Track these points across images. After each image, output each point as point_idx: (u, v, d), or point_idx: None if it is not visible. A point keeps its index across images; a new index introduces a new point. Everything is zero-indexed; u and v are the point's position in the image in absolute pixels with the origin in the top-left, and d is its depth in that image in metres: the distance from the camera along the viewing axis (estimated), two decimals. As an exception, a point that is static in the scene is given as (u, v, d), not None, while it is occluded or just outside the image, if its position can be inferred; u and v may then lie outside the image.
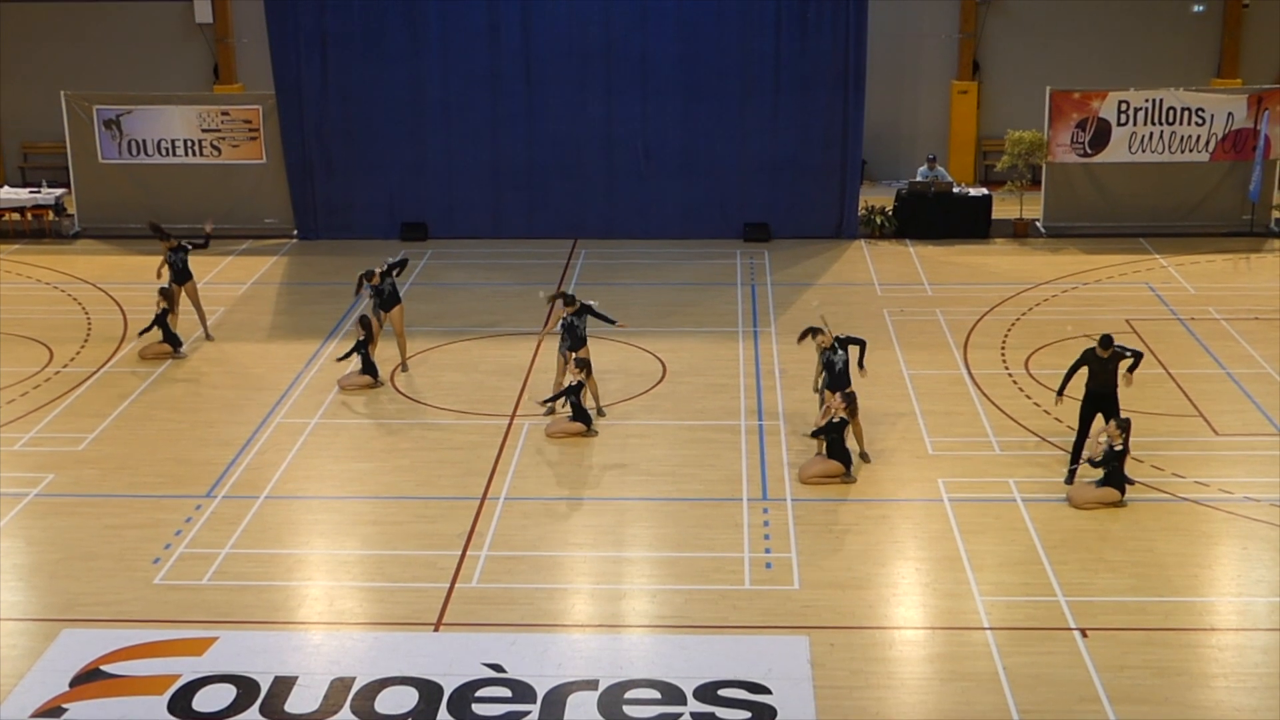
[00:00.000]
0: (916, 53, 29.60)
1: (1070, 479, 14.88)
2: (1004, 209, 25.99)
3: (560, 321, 17.25)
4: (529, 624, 12.35)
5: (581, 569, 13.45)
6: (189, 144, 26.12)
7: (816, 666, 11.55)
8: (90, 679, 11.52)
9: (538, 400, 17.37)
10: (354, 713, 11.03)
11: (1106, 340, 15.06)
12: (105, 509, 14.77)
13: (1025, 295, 21.98)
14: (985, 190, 26.25)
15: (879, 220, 25.75)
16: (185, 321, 20.19)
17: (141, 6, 29.83)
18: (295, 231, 26.24)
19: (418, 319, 20.53)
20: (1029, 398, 17.54)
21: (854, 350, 16.12)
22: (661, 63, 25.22)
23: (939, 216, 25.59)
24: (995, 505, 14.56)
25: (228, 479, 15.50)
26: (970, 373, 18.53)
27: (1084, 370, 15.13)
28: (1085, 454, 14.79)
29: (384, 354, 18.80)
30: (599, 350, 18.12)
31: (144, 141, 26.14)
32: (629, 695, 11.19)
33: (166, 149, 26.15)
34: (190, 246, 20.30)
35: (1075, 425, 15.32)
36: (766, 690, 11.20)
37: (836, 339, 15.95)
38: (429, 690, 11.27)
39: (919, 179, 26.13)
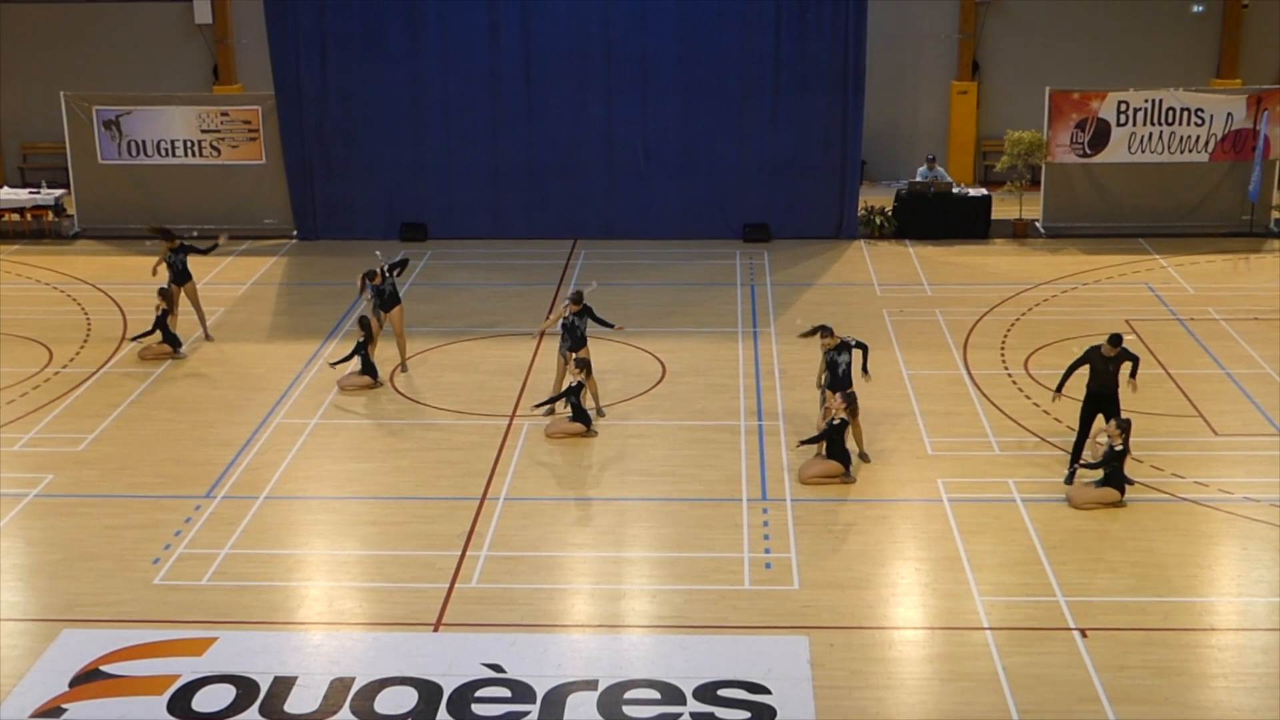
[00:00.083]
0: (916, 53, 29.60)
1: (1070, 479, 14.88)
2: (1003, 209, 25.98)
3: (561, 321, 17.26)
4: (529, 624, 12.35)
5: (581, 569, 13.44)
6: (189, 144, 26.11)
7: (816, 667, 11.55)
8: (90, 679, 11.51)
9: (534, 404, 17.35)
10: (353, 713, 11.02)
11: (1116, 338, 15.02)
12: (105, 509, 14.77)
13: (1025, 295, 21.97)
14: (985, 190, 26.24)
15: (879, 220, 25.73)
16: (185, 322, 20.19)
17: (141, 7, 29.84)
18: (295, 232, 26.24)
19: (417, 319, 20.52)
20: (1028, 398, 17.53)
21: (858, 355, 16.12)
22: (661, 63, 25.20)
23: (939, 217, 25.58)
24: (995, 505, 14.55)
25: (227, 479, 15.50)
26: (970, 373, 18.52)
27: (1084, 370, 15.13)
28: (1085, 455, 14.80)
29: (384, 354, 18.80)
30: (599, 350, 18.11)
31: (143, 142, 26.13)
32: (628, 695, 11.19)
33: (166, 149, 26.14)
34: (194, 247, 20.29)
35: (1075, 425, 15.33)
36: (766, 690, 11.20)
37: (844, 341, 15.96)
38: (428, 690, 11.26)
39: (918, 179, 26.11)
